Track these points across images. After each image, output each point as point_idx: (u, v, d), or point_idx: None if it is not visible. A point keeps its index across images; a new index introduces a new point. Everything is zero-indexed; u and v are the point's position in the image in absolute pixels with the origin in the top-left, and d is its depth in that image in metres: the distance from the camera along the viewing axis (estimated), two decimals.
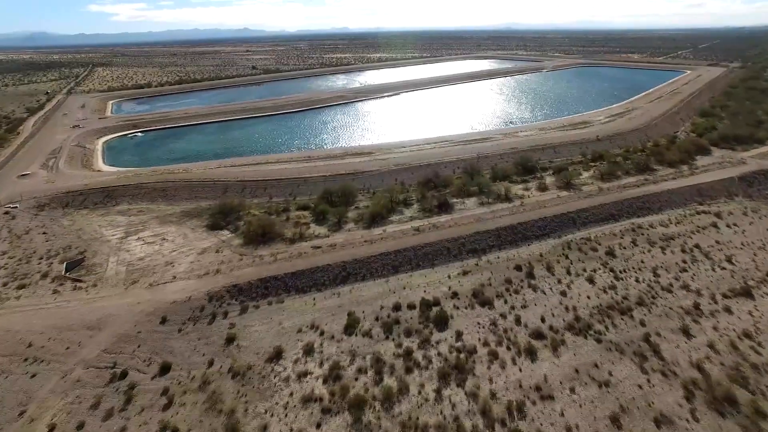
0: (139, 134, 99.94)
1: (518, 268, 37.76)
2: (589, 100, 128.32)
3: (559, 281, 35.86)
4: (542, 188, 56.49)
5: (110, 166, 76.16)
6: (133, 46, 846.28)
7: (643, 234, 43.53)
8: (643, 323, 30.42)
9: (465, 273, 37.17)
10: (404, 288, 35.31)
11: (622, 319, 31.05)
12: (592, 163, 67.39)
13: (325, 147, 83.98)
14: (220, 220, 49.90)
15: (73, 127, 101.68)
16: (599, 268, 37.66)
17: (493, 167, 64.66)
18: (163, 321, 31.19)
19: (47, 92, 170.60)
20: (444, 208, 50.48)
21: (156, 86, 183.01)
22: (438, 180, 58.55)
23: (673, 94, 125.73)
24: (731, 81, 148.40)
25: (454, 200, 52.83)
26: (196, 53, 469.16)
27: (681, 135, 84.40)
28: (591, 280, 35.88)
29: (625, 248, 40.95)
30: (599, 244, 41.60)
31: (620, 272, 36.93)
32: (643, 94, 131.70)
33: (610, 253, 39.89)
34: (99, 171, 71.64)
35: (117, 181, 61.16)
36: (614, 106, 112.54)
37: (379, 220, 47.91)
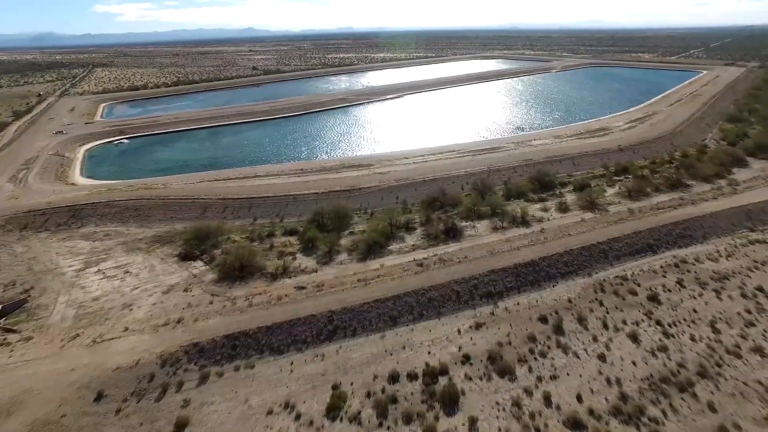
0: (125, 141, 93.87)
1: (543, 319, 30.94)
2: (604, 102, 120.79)
3: (595, 339, 28.99)
4: (563, 209, 49.58)
5: (87, 178, 70.08)
6: (137, 47, 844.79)
7: (689, 271, 36.53)
8: (712, 407, 23.51)
9: (478, 326, 30.41)
10: (404, 347, 28.61)
11: (682, 398, 24.16)
12: (616, 178, 60.35)
13: (320, 157, 77.34)
14: (195, 247, 43.46)
15: (56, 133, 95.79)
16: (642, 320, 30.76)
17: (506, 182, 57.84)
18: (99, 397, 24.71)
19: (39, 94, 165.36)
20: (452, 234, 43.73)
21: (152, 88, 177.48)
22: (444, 199, 51.82)
23: (693, 97, 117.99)
24: (754, 82, 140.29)
25: (464, 224, 46.09)
26: (198, 53, 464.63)
27: (710, 143, 77.06)
28: (634, 338, 28.99)
29: (670, 291, 33.99)
30: (638, 285, 34.68)
31: (669, 326, 30.01)
32: (661, 96, 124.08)
33: (654, 299, 32.96)
34: (73, 184, 65.49)
35: (86, 198, 54.90)
36: (632, 110, 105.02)
37: (377, 250, 41.26)
